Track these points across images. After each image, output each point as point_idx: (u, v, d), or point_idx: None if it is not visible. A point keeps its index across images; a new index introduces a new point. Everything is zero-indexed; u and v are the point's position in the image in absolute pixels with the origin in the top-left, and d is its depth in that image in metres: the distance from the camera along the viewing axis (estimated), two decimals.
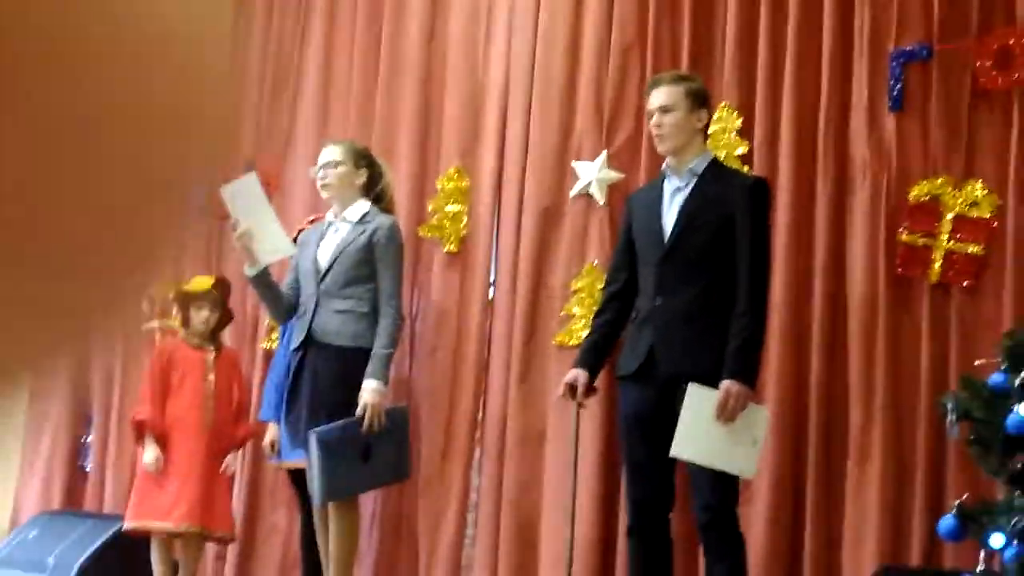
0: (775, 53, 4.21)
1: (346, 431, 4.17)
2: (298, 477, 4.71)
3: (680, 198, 3.66)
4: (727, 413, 3.44)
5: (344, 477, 4.20)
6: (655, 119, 3.68)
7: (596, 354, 3.83)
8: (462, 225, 5.04)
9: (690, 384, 3.44)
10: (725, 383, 3.45)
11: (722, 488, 3.51)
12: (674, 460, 3.52)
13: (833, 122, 4.06)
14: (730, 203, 3.58)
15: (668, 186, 3.71)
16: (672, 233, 3.62)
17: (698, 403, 3.44)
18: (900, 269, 3.91)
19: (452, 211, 5.05)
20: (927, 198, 3.90)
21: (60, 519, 5.85)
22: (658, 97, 3.68)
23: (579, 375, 3.77)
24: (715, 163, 3.75)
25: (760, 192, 3.66)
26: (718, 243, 3.57)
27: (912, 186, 3.92)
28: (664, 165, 3.76)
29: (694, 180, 3.65)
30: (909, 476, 3.77)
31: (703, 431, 3.43)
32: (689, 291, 3.57)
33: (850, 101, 4.05)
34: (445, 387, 4.96)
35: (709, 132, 4.17)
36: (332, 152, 4.47)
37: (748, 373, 3.50)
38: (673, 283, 3.59)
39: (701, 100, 3.70)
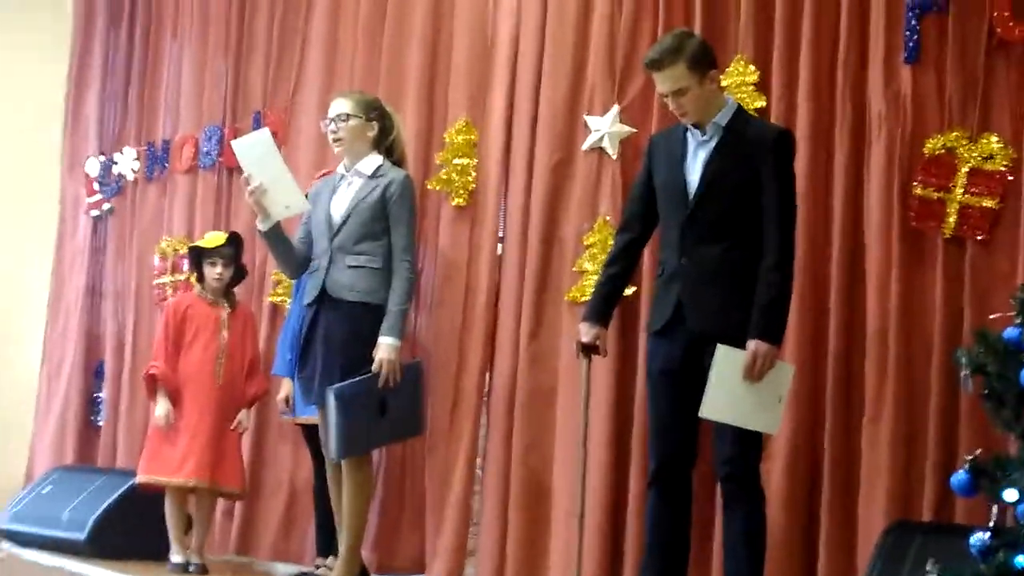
0: (792, 5, 4.15)
1: (363, 387, 4.17)
2: (311, 433, 4.72)
3: (704, 153, 3.61)
4: (755, 373, 3.44)
5: (361, 432, 4.21)
6: (671, 103, 3.60)
7: (609, 306, 3.82)
8: (470, 178, 5.00)
9: (718, 345, 3.43)
10: (752, 343, 3.44)
11: (745, 442, 3.51)
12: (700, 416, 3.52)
13: (851, 75, 4.01)
14: (754, 158, 3.54)
15: (692, 137, 3.65)
16: (696, 193, 3.58)
17: (726, 364, 3.43)
18: (914, 223, 3.89)
19: (460, 164, 5.01)
20: (942, 151, 3.87)
21: (73, 474, 5.86)
22: (665, 82, 3.58)
23: (600, 333, 3.77)
24: (739, 113, 3.67)
25: (784, 145, 3.60)
26: (743, 200, 3.53)
27: (927, 139, 3.89)
28: None
29: (719, 134, 3.60)
30: (922, 431, 3.77)
31: (732, 392, 3.43)
32: (714, 250, 3.55)
33: (867, 53, 4.00)
34: (453, 342, 4.93)
35: (724, 86, 4.15)
36: (342, 105, 4.41)
37: (775, 331, 3.49)
38: (698, 243, 3.56)
39: (707, 62, 3.59)
